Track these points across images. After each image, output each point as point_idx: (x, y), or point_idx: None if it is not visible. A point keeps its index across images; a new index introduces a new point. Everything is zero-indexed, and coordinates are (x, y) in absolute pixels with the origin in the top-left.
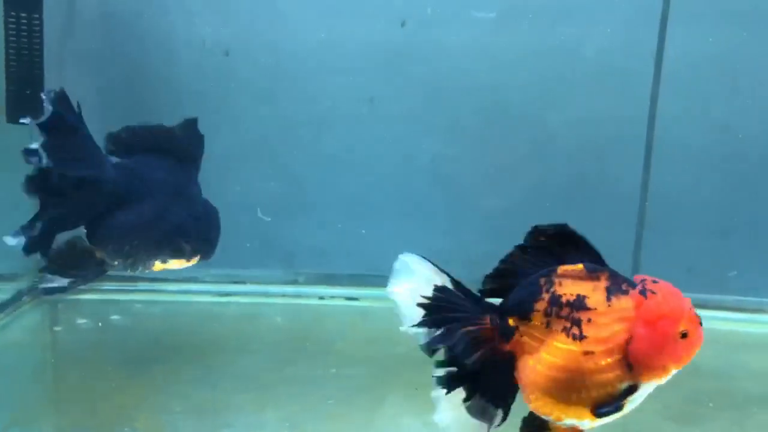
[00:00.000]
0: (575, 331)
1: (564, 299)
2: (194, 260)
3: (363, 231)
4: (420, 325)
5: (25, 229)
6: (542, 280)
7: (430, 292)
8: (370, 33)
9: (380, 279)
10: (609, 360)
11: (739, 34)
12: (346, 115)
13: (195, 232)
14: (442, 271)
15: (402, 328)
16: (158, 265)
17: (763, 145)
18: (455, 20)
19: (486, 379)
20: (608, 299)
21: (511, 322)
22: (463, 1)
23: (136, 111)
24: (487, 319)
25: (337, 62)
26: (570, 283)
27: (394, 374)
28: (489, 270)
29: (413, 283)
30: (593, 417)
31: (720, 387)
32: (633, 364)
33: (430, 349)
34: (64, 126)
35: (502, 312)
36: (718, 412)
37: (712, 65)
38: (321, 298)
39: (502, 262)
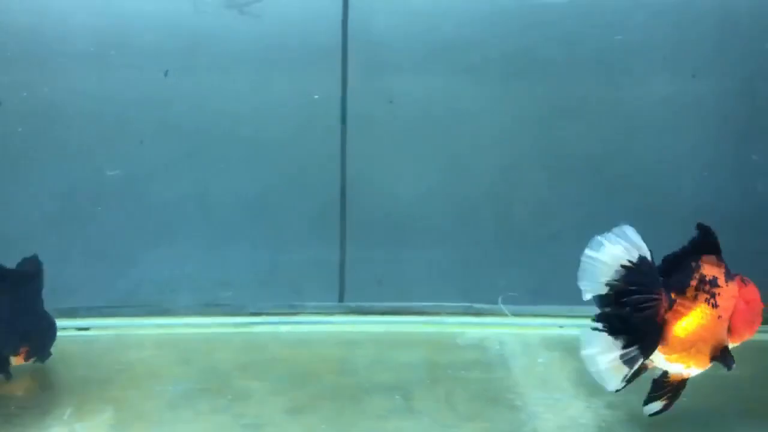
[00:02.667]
0: (713, 301)
1: (707, 278)
2: (31, 360)
3: (113, 265)
4: (616, 280)
5: None
6: (693, 264)
7: (633, 259)
8: (137, 83)
9: (111, 309)
10: (725, 324)
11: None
12: (120, 155)
13: (33, 336)
14: (645, 245)
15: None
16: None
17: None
18: (214, 69)
19: (644, 335)
20: (726, 281)
21: (672, 295)
22: (222, 51)
23: None
24: (662, 291)
25: (108, 109)
26: (708, 267)
27: (75, 395)
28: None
29: (620, 249)
30: (707, 365)
31: (354, 381)
32: (731, 329)
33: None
34: None
35: (666, 288)
36: (329, 401)
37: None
38: None
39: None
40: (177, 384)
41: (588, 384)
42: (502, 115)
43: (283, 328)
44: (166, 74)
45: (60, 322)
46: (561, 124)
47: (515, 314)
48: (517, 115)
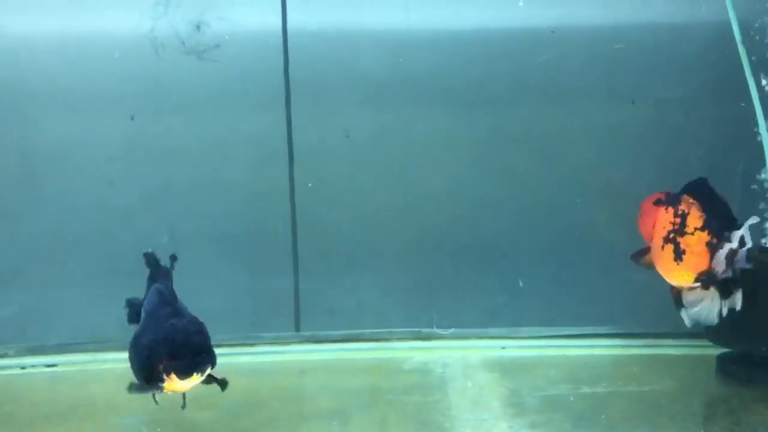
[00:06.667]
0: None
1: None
2: (194, 377)
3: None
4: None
5: None
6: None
7: None
8: (105, 127)
9: (79, 345)
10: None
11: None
12: (87, 198)
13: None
14: None
15: None
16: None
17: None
18: (176, 111)
19: None
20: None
21: None
22: (182, 94)
23: None
24: None
25: (80, 155)
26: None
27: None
28: None
29: None
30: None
31: (298, 408)
32: None
33: None
34: None
35: None
36: (270, 428)
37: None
38: (23, 368)
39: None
40: (131, 417)
41: (516, 404)
42: (449, 146)
43: (242, 359)
44: (132, 118)
45: (27, 360)
46: (507, 152)
47: (459, 337)
48: (464, 144)
